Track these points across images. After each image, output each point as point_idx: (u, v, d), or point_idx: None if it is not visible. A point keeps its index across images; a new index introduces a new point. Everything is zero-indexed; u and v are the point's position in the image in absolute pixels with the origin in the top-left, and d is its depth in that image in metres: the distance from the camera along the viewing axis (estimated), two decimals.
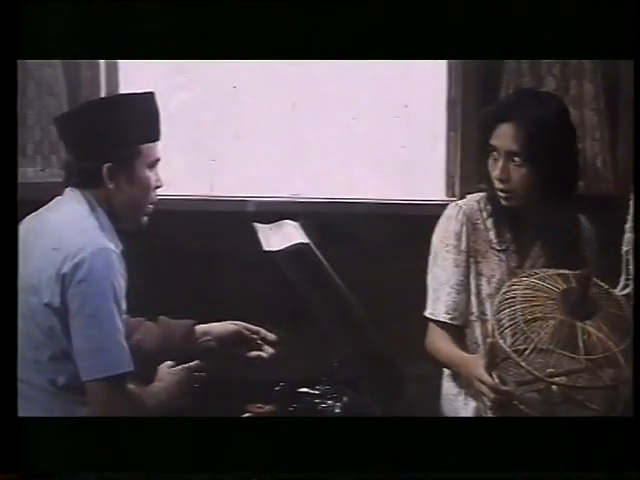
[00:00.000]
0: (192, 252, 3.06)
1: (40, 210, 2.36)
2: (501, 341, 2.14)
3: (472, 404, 2.46)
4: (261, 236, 2.61)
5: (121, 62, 3.16)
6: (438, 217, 2.56)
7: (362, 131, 3.24)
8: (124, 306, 2.29)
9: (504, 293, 2.24)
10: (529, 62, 3.11)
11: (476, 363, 2.25)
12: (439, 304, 2.47)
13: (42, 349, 2.24)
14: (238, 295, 3.01)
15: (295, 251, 2.50)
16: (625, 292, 2.30)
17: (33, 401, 2.24)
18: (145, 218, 2.41)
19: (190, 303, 2.60)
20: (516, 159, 2.36)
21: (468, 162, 3.19)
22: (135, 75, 3.07)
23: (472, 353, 2.42)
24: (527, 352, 2.09)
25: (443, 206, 2.66)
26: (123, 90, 3.14)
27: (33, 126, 3.17)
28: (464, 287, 2.47)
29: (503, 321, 2.17)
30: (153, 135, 2.39)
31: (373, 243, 3.13)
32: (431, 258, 2.52)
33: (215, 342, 2.56)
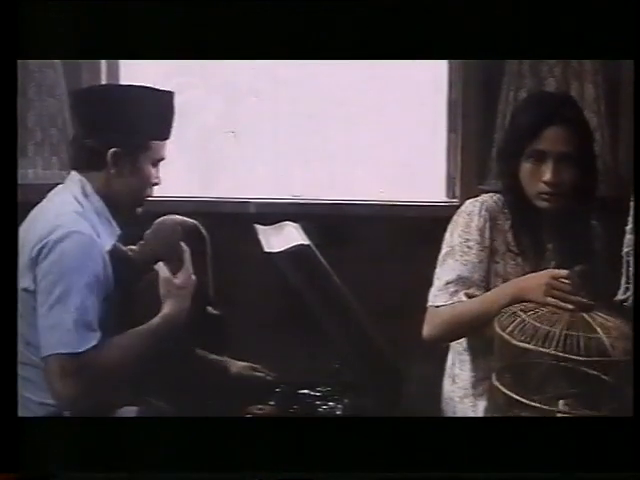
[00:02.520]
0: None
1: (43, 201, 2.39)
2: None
3: (481, 405, 2.41)
4: (262, 237, 2.62)
5: (122, 65, 3.19)
6: (438, 218, 2.52)
7: (362, 132, 3.25)
8: (97, 288, 2.27)
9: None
10: (530, 63, 3.11)
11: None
12: (446, 296, 2.35)
13: (32, 330, 2.25)
14: (238, 297, 3.00)
15: (295, 252, 2.50)
16: (626, 296, 2.29)
17: (31, 381, 2.27)
18: (140, 209, 2.44)
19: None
20: (567, 161, 2.33)
21: (468, 163, 3.20)
22: (135, 78, 3.07)
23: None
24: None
25: (444, 207, 2.65)
26: None
27: (34, 128, 3.18)
28: (486, 284, 2.38)
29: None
30: (164, 134, 2.42)
31: (373, 245, 3.13)
32: (444, 253, 2.41)
33: None
